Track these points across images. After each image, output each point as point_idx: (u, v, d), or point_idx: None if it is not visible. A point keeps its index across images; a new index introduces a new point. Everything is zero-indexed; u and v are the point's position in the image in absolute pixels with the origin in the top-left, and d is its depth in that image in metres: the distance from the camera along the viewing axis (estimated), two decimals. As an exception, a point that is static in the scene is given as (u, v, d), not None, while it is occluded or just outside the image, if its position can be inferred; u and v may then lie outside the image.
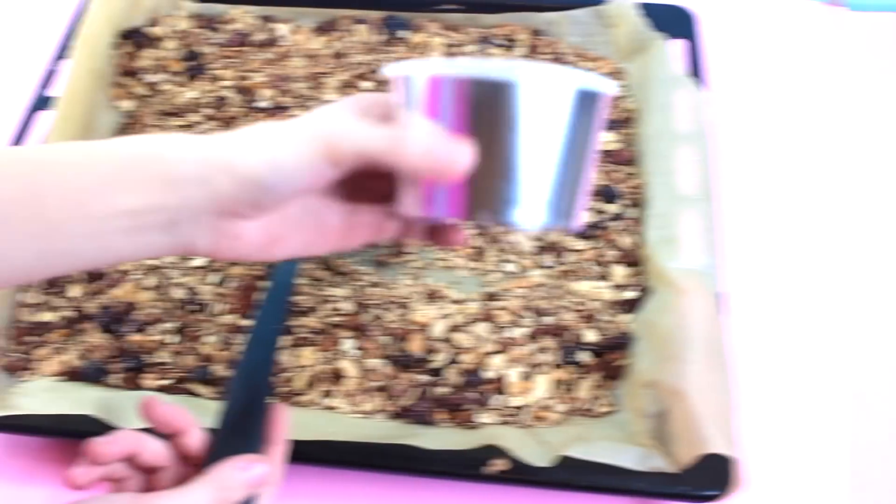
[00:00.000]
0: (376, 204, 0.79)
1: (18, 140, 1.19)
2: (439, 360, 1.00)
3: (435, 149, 0.65)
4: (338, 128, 0.67)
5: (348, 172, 0.69)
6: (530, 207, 0.68)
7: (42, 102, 1.22)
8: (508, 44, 1.30)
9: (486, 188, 0.67)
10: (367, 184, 0.76)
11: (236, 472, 0.73)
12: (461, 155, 0.65)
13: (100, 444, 0.74)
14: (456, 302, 1.06)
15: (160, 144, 0.68)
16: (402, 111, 0.70)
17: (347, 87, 1.23)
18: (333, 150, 0.66)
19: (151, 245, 0.69)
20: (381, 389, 0.99)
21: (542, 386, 0.98)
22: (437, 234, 0.83)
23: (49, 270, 0.69)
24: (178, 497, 0.69)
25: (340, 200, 0.78)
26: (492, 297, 1.07)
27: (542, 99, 0.66)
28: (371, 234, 0.81)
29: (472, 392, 0.98)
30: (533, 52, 1.30)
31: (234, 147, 0.68)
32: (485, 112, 0.66)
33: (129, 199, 0.66)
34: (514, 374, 0.99)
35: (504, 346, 1.01)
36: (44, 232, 0.66)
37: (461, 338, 1.02)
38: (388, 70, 0.72)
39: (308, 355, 1.01)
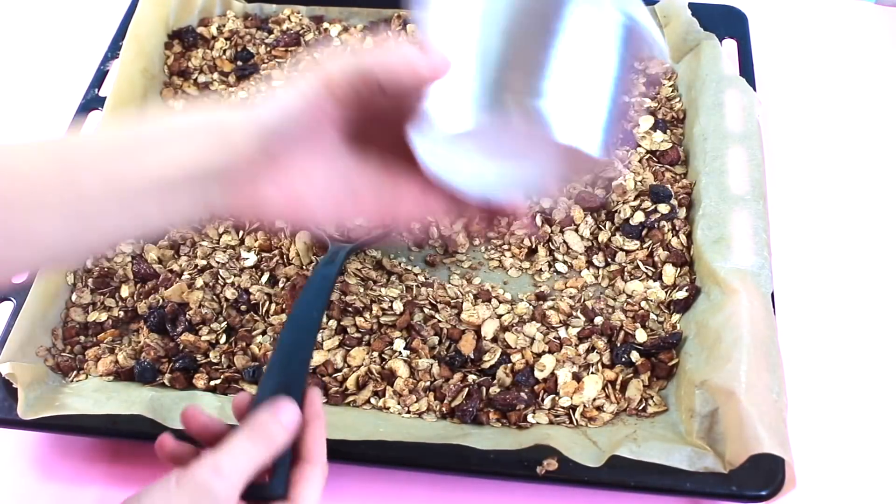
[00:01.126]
0: (410, 175, 0.78)
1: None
2: (490, 360, 1.00)
3: (413, 55, 0.68)
4: (330, 63, 0.70)
5: (350, 106, 0.70)
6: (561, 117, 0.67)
7: (93, 102, 1.24)
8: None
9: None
10: (391, 150, 0.77)
11: (268, 414, 0.74)
12: (439, 60, 0.68)
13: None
14: (506, 302, 1.07)
15: (180, 119, 0.74)
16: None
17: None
18: (327, 79, 0.69)
19: (181, 212, 0.72)
20: (431, 389, 0.99)
21: (592, 386, 0.98)
22: (491, 211, 0.81)
23: (80, 248, 0.73)
24: (224, 452, 0.71)
25: (371, 166, 0.78)
26: (542, 297, 1.07)
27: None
28: (413, 208, 0.80)
29: (523, 392, 0.98)
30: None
31: (249, 108, 0.72)
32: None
33: (157, 170, 0.69)
34: (564, 375, 0.99)
35: (555, 347, 1.01)
36: (78, 211, 0.68)
37: (512, 338, 1.02)
38: None
39: (359, 355, 1.01)
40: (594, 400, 0.97)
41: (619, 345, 1.01)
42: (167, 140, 0.70)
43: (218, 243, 1.11)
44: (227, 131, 0.71)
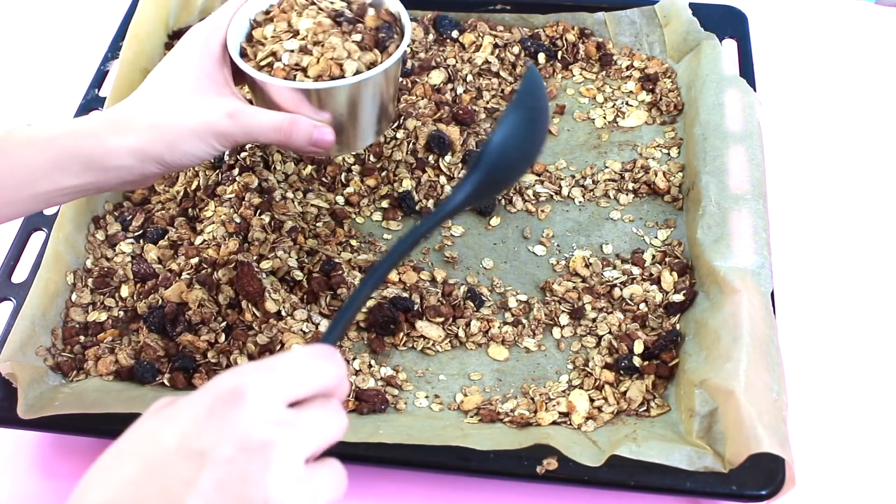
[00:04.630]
0: None
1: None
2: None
3: (313, 137, 0.89)
4: (226, 121, 0.87)
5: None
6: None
7: (93, 102, 1.24)
8: (554, 47, 1.31)
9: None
10: None
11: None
12: (329, 136, 0.90)
13: None
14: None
15: (97, 132, 0.86)
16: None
17: (399, 88, 1.23)
18: (226, 140, 0.88)
19: (83, 196, 0.91)
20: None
21: (592, 386, 0.98)
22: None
23: None
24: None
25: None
26: (541, 295, 1.07)
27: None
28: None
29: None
30: (580, 51, 1.30)
31: (151, 139, 0.86)
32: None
33: (71, 180, 0.86)
34: (565, 375, 0.99)
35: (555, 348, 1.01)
36: None
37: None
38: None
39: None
40: (594, 400, 0.97)
41: (619, 345, 1.01)
42: (77, 168, 0.85)
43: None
44: (139, 164, 0.87)
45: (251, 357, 1.01)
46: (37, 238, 1.11)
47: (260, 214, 1.10)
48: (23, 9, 1.52)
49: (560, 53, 1.31)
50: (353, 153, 1.18)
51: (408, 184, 1.16)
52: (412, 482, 0.98)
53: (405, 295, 1.05)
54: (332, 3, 0.93)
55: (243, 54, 0.92)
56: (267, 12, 0.95)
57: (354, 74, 0.89)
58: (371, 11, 0.94)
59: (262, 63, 0.91)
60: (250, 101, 0.92)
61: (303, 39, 0.90)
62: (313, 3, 0.93)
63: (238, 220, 1.09)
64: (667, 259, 1.08)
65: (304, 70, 0.89)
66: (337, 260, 1.08)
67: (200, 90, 0.88)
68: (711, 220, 1.06)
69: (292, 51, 0.90)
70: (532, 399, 0.98)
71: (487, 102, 1.26)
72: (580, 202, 1.16)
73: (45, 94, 1.39)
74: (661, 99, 1.24)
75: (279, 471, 0.61)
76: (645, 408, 0.97)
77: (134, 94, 0.90)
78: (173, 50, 0.92)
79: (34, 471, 1.01)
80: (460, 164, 1.18)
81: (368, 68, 0.90)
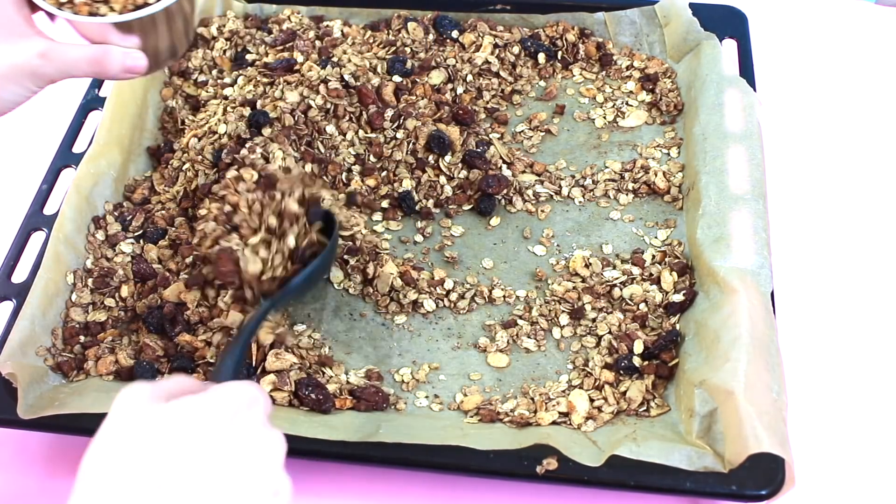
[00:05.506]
0: None
1: (71, 138, 1.20)
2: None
3: (126, 64, 0.89)
4: (38, 60, 0.86)
5: None
6: None
7: (93, 102, 1.24)
8: (554, 47, 1.31)
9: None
10: None
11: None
12: (141, 62, 0.89)
13: None
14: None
15: None
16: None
17: (399, 88, 1.23)
18: (41, 79, 0.87)
19: None
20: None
21: (592, 386, 0.98)
22: None
23: None
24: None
25: None
26: (541, 296, 1.08)
27: None
28: None
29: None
30: (580, 51, 1.30)
31: None
32: None
33: None
34: (565, 375, 0.99)
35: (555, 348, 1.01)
36: None
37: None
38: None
39: None
40: (594, 400, 0.97)
41: (618, 346, 1.01)
42: None
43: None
44: None
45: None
46: (37, 238, 1.11)
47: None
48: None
49: (560, 53, 1.31)
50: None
51: (408, 184, 1.16)
52: (412, 482, 0.98)
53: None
54: None
55: None
56: None
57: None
58: None
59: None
60: None
61: None
62: None
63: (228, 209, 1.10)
64: (667, 259, 1.08)
65: (106, 1, 0.88)
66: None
67: (4, 35, 0.86)
68: (711, 220, 1.06)
69: None
70: (532, 399, 0.98)
71: (487, 102, 1.26)
72: (580, 202, 1.16)
73: (45, 95, 1.38)
74: (661, 99, 1.24)
75: None
76: (645, 408, 0.97)
77: None
78: None
79: (34, 471, 1.01)
80: (460, 164, 1.18)
81: None
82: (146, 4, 0.88)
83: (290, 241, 0.96)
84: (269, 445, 0.68)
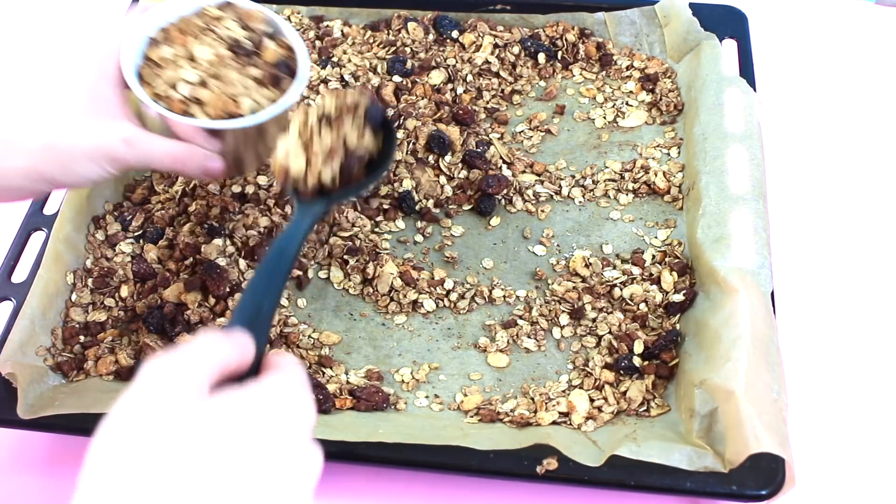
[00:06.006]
0: None
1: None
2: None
3: (205, 166, 0.91)
4: (122, 146, 0.86)
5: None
6: None
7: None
8: (554, 47, 1.31)
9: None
10: None
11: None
12: (219, 166, 0.92)
13: None
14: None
15: None
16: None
17: (399, 88, 1.23)
18: (120, 164, 0.88)
19: None
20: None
21: (592, 386, 0.98)
22: None
23: None
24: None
25: None
26: (541, 296, 1.07)
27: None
28: None
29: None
30: (580, 51, 1.30)
31: (45, 161, 0.85)
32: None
33: None
34: (565, 375, 0.99)
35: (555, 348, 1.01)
36: None
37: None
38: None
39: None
40: (594, 400, 0.97)
41: (619, 346, 1.01)
42: None
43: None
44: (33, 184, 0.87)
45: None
46: (37, 238, 1.11)
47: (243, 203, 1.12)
48: (23, 9, 1.52)
49: (560, 53, 1.31)
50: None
51: (408, 184, 1.16)
52: (412, 482, 0.98)
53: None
54: (228, 28, 0.93)
55: (139, 74, 0.92)
56: (164, 30, 0.94)
57: (250, 111, 0.90)
58: (268, 43, 0.94)
59: (160, 92, 0.91)
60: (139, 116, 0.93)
61: (200, 70, 0.90)
62: (209, 28, 0.93)
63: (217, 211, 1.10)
64: (667, 259, 1.08)
65: (200, 102, 0.90)
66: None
67: (95, 112, 0.87)
68: (711, 219, 1.06)
69: (191, 83, 0.90)
70: (532, 399, 0.98)
71: (487, 102, 1.26)
72: (580, 202, 1.16)
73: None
74: (661, 99, 1.24)
75: None
76: (645, 408, 0.97)
77: (16, 108, 0.88)
78: (66, 66, 0.90)
79: (34, 471, 1.01)
80: (460, 164, 1.18)
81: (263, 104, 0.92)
82: (238, 114, 0.90)
83: (348, 129, 0.93)
84: (308, 465, 0.65)
